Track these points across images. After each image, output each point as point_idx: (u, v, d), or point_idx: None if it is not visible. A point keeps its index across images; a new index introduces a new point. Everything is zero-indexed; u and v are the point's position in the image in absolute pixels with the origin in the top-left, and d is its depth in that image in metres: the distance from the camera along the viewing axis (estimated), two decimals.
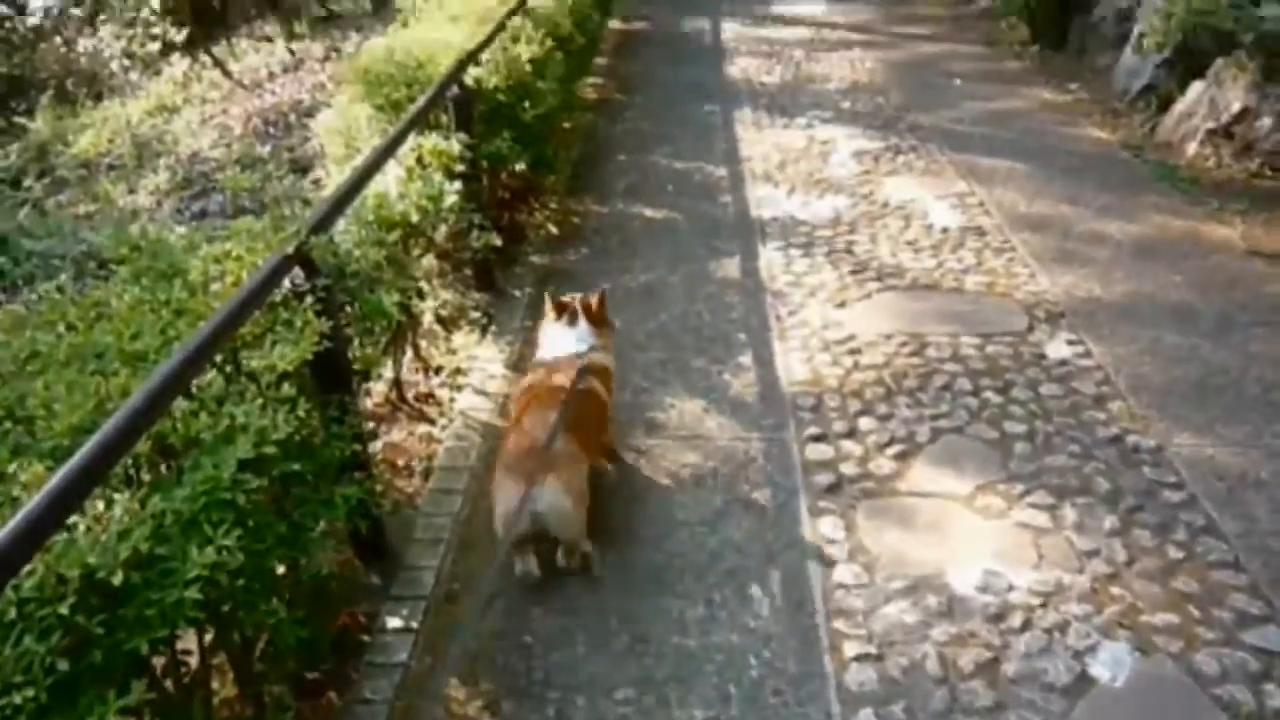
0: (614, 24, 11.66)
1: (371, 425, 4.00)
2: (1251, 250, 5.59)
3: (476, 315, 5.07)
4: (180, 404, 2.32)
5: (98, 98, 12.51)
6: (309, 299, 2.85)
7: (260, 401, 2.42)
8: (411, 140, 4.43)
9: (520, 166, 5.49)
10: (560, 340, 3.72)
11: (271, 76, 12.05)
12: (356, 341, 3.37)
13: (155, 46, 12.70)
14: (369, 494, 3.01)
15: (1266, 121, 6.58)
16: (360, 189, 3.60)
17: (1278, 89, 6.54)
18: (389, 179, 4.24)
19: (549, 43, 6.22)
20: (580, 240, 6.04)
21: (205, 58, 12.70)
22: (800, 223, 6.13)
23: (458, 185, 4.40)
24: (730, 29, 11.51)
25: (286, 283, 2.86)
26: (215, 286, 2.81)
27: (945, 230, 5.95)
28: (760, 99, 8.80)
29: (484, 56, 5.40)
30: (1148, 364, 4.52)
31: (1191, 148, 6.99)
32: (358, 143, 4.88)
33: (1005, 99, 8.67)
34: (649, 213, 6.42)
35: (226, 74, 12.29)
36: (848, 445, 4.02)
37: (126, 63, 12.91)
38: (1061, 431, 4.06)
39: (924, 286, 5.31)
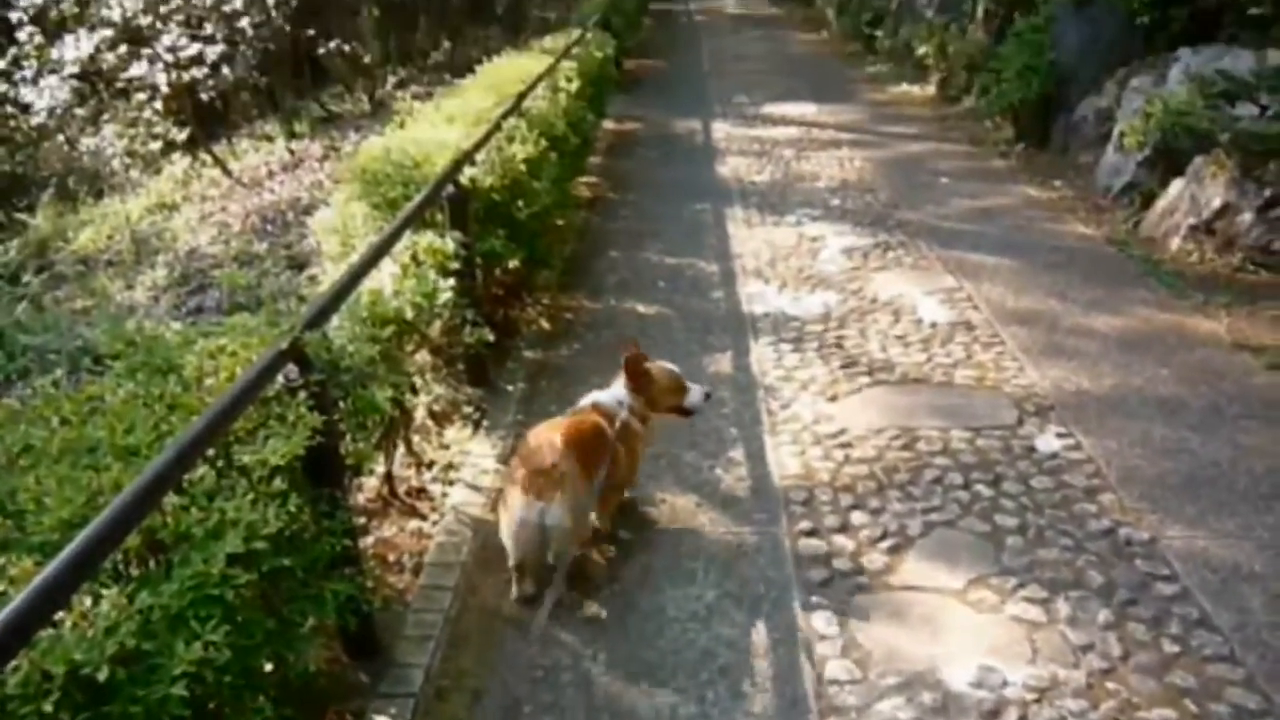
0: (608, 124, 11.92)
1: (362, 520, 3.99)
2: (1237, 343, 5.65)
3: (469, 410, 5.08)
4: (171, 499, 2.33)
5: (99, 195, 12.72)
6: (302, 394, 2.86)
7: (251, 496, 2.43)
8: (407, 238, 4.50)
9: (514, 263, 5.57)
10: (606, 391, 4.01)
11: (271, 175, 12.28)
12: (349, 436, 3.38)
13: (157, 145, 12.94)
14: (359, 590, 2.99)
15: (1247, 217, 6.71)
16: (355, 285, 3.65)
17: (1256, 185, 6.68)
18: (384, 276, 4.30)
19: (543, 143, 6.37)
20: (573, 336, 6.09)
21: (206, 156, 12.95)
22: (791, 318, 6.20)
23: (452, 282, 4.46)
24: (721, 129, 11.77)
25: (280, 378, 2.88)
26: (209, 382, 2.83)
27: (934, 325, 6.02)
28: (751, 197, 8.95)
29: (479, 156, 5.50)
30: (1138, 457, 4.54)
31: (1175, 243, 7.12)
32: (354, 240, 4.94)
33: (991, 196, 8.83)
34: (641, 308, 6.49)
35: (226, 172, 12.52)
36: (840, 540, 4.01)
37: (128, 161, 13.14)
38: (1053, 525, 4.06)
39: (914, 380, 5.34)
